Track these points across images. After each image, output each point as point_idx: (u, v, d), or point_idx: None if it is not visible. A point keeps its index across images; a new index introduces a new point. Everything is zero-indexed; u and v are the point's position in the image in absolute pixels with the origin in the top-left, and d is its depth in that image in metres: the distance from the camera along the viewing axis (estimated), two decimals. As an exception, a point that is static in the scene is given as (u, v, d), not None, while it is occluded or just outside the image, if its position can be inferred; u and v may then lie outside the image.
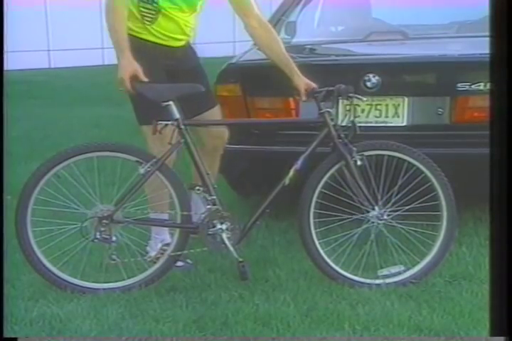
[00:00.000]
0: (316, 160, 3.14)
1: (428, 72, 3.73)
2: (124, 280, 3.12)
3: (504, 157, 2.09)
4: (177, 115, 3.09)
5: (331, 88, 3.13)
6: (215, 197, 3.13)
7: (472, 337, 2.65)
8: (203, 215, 3.14)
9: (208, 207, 3.13)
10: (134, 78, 3.10)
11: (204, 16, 3.46)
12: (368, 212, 3.12)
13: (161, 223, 3.31)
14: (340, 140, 3.10)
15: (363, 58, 4.07)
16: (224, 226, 3.11)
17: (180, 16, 3.31)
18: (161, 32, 3.31)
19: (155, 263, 3.19)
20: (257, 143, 3.73)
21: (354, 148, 3.09)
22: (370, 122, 3.63)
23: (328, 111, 3.12)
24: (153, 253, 3.31)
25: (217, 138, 3.48)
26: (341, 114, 3.40)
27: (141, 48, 3.21)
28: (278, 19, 4.25)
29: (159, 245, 3.33)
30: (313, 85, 3.24)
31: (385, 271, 3.17)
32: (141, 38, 3.28)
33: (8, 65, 3.40)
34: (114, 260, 3.09)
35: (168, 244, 3.24)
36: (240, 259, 3.06)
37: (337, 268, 3.13)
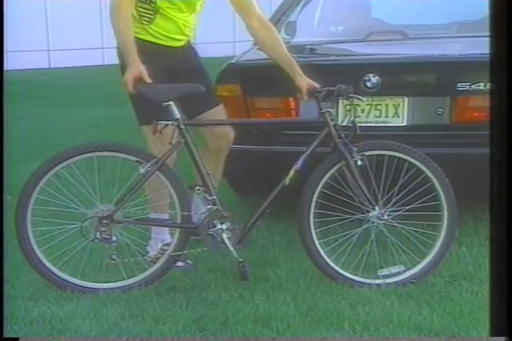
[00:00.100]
0: (316, 160, 3.14)
1: (428, 72, 3.73)
2: (124, 280, 3.12)
3: (504, 157, 2.09)
4: (177, 115, 3.09)
5: (332, 88, 3.13)
6: (215, 197, 3.13)
7: (472, 337, 2.65)
8: (203, 215, 3.14)
9: (208, 207, 3.13)
10: (138, 80, 3.09)
11: (204, 16, 3.46)
12: (369, 212, 3.12)
13: (161, 223, 3.31)
14: (340, 140, 3.10)
15: (363, 58, 4.07)
16: (224, 226, 3.11)
17: (179, 16, 3.31)
18: (160, 32, 3.31)
19: (155, 263, 3.19)
20: (258, 143, 3.73)
21: (354, 148, 3.09)
22: (370, 122, 3.63)
23: (329, 111, 3.12)
24: (153, 253, 3.32)
25: (221, 137, 3.47)
26: (341, 114, 3.40)
27: (140, 49, 3.20)
28: (278, 19, 4.25)
29: (159, 245, 3.33)
30: (316, 85, 3.24)
31: (385, 271, 3.17)
32: (140, 38, 3.27)
33: (8, 65, 3.40)
34: (114, 260, 3.09)
35: (168, 244, 3.24)
36: (240, 259, 3.06)
37: (337, 268, 3.13)
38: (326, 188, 3.13)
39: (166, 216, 3.27)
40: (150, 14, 3.28)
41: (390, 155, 3.15)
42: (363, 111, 3.60)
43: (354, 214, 3.14)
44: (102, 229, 3.07)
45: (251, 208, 3.33)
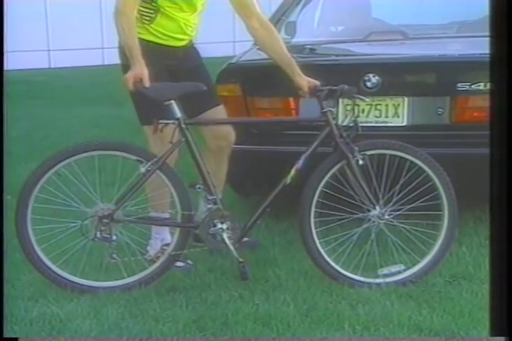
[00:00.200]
0: (317, 160, 3.14)
1: (428, 72, 3.73)
2: (123, 278, 3.12)
3: (504, 157, 2.09)
4: (178, 114, 3.09)
5: (334, 87, 3.13)
6: (215, 197, 3.13)
7: (472, 337, 2.65)
8: (204, 214, 3.13)
9: (209, 206, 3.13)
10: (139, 80, 3.08)
11: (204, 16, 3.45)
12: (369, 211, 3.12)
13: (162, 222, 3.31)
14: (342, 139, 3.10)
15: (363, 58, 4.07)
16: (224, 226, 3.11)
17: (180, 15, 3.30)
18: (161, 31, 3.30)
19: (154, 262, 3.19)
20: (258, 143, 3.73)
21: (356, 147, 3.09)
22: (370, 122, 3.63)
23: (331, 110, 3.12)
24: (153, 253, 3.32)
25: (222, 138, 3.46)
26: (341, 114, 3.40)
27: (141, 49, 3.20)
28: (278, 19, 4.25)
29: (160, 244, 3.33)
30: (316, 83, 3.24)
31: (385, 270, 3.17)
32: (141, 38, 3.26)
33: (8, 65, 3.41)
34: (114, 259, 3.09)
35: (168, 244, 3.24)
36: (241, 259, 3.06)
37: (337, 267, 3.12)
38: (326, 188, 3.13)
39: (166, 215, 3.27)
40: (151, 13, 3.27)
41: (391, 155, 3.15)
42: (363, 111, 3.60)
43: (355, 214, 3.14)
44: (102, 228, 3.07)
45: (251, 208, 3.33)
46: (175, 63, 3.34)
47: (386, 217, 3.13)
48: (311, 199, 3.11)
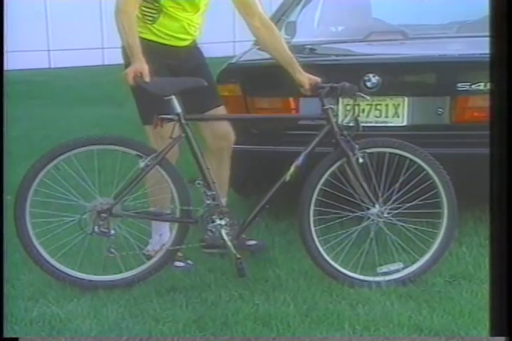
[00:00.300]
0: (317, 158, 3.14)
1: (428, 72, 3.73)
2: (121, 273, 3.13)
3: (504, 157, 2.09)
4: (178, 109, 3.09)
5: (335, 85, 3.13)
6: (214, 193, 3.13)
7: (472, 337, 2.65)
8: (203, 210, 3.13)
9: (208, 202, 3.13)
10: (139, 75, 3.07)
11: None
12: (369, 209, 3.12)
13: (160, 217, 3.31)
14: (342, 137, 3.10)
15: (363, 58, 4.07)
16: (223, 222, 3.12)
17: (183, 15, 3.29)
18: (164, 31, 3.30)
19: (153, 257, 3.19)
20: (258, 143, 3.73)
21: (356, 145, 3.09)
22: (370, 122, 3.63)
23: (332, 108, 3.12)
24: (152, 248, 3.32)
25: (222, 138, 3.46)
26: (341, 114, 3.40)
27: (143, 48, 3.20)
28: (278, 19, 4.25)
29: (161, 241, 3.33)
30: (318, 80, 3.24)
31: (384, 269, 3.17)
32: (144, 38, 3.26)
33: (8, 65, 3.40)
34: (112, 253, 3.09)
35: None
36: (238, 255, 3.06)
37: (336, 265, 3.13)
38: (326, 186, 3.13)
39: (165, 210, 3.28)
40: (153, 13, 3.26)
41: (391, 153, 3.15)
42: (363, 111, 3.60)
43: (354, 212, 3.15)
44: (101, 222, 3.08)
45: (251, 208, 3.32)
46: (177, 63, 3.34)
47: (385, 215, 3.13)
48: (310, 197, 3.11)
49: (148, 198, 3.31)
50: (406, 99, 3.61)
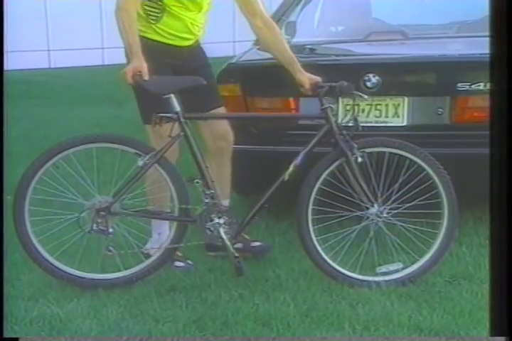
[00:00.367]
0: (316, 158, 3.14)
1: (428, 72, 3.73)
2: (120, 271, 3.13)
3: (504, 157, 2.09)
4: (177, 108, 3.09)
5: (334, 84, 3.13)
6: (213, 191, 3.13)
7: (472, 337, 2.65)
8: (201, 209, 3.13)
9: (206, 201, 3.13)
10: (138, 73, 3.06)
11: (203, 16, 3.44)
12: (368, 209, 3.12)
13: (159, 215, 3.31)
14: (341, 136, 3.10)
15: (363, 58, 4.07)
16: (221, 221, 3.12)
17: (186, 15, 3.28)
18: (167, 31, 3.28)
19: (151, 255, 3.19)
20: (258, 143, 3.73)
21: (355, 145, 3.09)
22: (370, 122, 3.63)
23: (331, 107, 3.12)
24: (151, 247, 3.32)
25: (220, 138, 3.46)
26: (341, 113, 3.40)
27: (146, 48, 3.19)
28: (278, 19, 4.24)
29: (160, 239, 3.33)
30: (318, 79, 3.24)
31: (383, 269, 3.17)
32: (147, 38, 3.26)
33: (8, 65, 3.40)
34: (110, 251, 3.09)
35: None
36: (236, 254, 3.06)
37: (334, 265, 3.13)
38: (325, 185, 3.13)
39: (164, 209, 3.28)
40: (157, 13, 3.26)
41: (390, 153, 3.15)
42: (363, 111, 3.60)
43: (353, 211, 3.14)
44: (99, 220, 3.08)
45: (250, 207, 3.32)
46: (180, 63, 3.33)
47: (384, 215, 3.12)
48: (308, 196, 3.11)
49: (147, 196, 3.31)
50: (406, 99, 3.61)
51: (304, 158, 3.11)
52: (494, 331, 2.18)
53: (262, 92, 3.75)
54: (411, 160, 3.14)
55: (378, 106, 3.64)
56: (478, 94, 3.46)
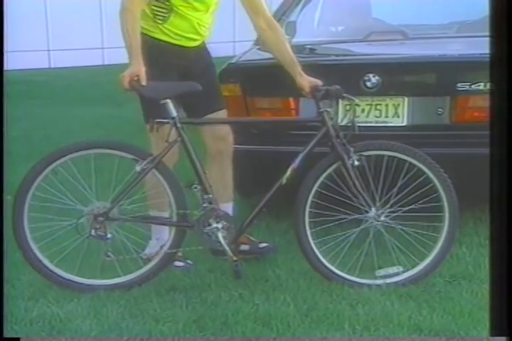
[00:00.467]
0: (314, 160, 3.14)
1: (428, 72, 3.73)
2: (119, 277, 3.13)
3: (504, 157, 2.09)
4: (174, 113, 3.08)
5: (330, 87, 3.13)
6: (211, 196, 3.13)
7: (472, 337, 2.65)
8: (199, 214, 3.13)
9: (204, 205, 3.13)
10: (136, 78, 3.05)
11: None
12: (367, 212, 3.12)
13: (157, 221, 3.31)
14: (338, 139, 3.10)
15: (363, 58, 4.07)
16: (220, 225, 3.12)
17: (193, 15, 3.27)
18: (174, 31, 3.27)
19: (150, 260, 3.19)
20: (258, 143, 3.73)
21: (351, 148, 3.08)
22: (370, 122, 3.63)
23: (327, 111, 3.12)
24: (150, 252, 3.32)
25: (220, 140, 3.45)
26: (341, 114, 3.40)
27: (153, 47, 3.19)
28: (278, 19, 4.23)
29: (159, 245, 3.33)
30: (318, 83, 3.23)
31: (382, 272, 3.16)
32: (154, 37, 3.25)
33: (8, 65, 3.40)
34: (109, 257, 3.09)
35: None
36: (235, 258, 3.06)
37: (332, 268, 3.12)
38: (322, 188, 3.13)
39: (163, 214, 3.27)
40: (164, 13, 3.24)
41: (389, 156, 3.15)
42: (363, 111, 3.60)
43: (350, 215, 3.14)
44: (97, 226, 3.08)
45: (252, 207, 3.32)
46: (187, 64, 3.32)
47: (382, 218, 3.11)
48: (305, 199, 3.11)
49: (146, 202, 3.31)
50: (406, 99, 3.61)
51: (301, 161, 3.11)
52: (494, 331, 2.18)
53: (262, 92, 3.75)
54: (410, 163, 3.14)
55: (378, 106, 3.64)
56: (478, 94, 3.46)
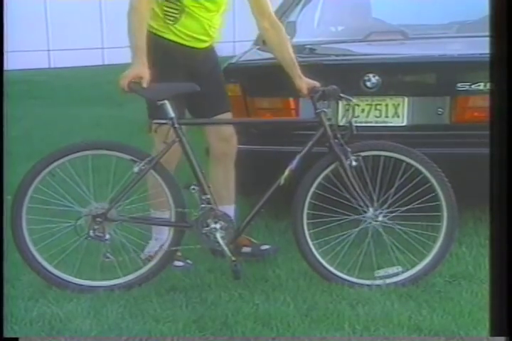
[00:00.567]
0: (312, 160, 3.14)
1: (428, 72, 3.73)
2: (119, 278, 3.12)
3: (504, 157, 2.09)
4: (172, 114, 3.08)
5: (325, 88, 3.14)
6: (209, 196, 3.13)
7: (472, 337, 2.65)
8: (197, 214, 3.13)
9: (202, 206, 3.13)
10: (137, 80, 3.05)
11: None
12: (365, 212, 3.11)
13: (155, 221, 3.31)
14: (336, 140, 3.10)
15: (363, 58, 4.07)
16: (218, 226, 3.12)
17: (204, 16, 3.25)
18: (185, 32, 3.26)
19: (150, 261, 3.19)
20: (258, 143, 3.73)
21: (349, 149, 3.08)
22: (370, 122, 3.63)
23: (324, 111, 3.12)
24: (149, 252, 3.32)
25: (224, 140, 3.44)
26: (341, 114, 3.40)
27: (163, 47, 3.18)
28: (278, 19, 4.24)
29: (158, 245, 3.33)
30: (316, 84, 3.24)
31: (381, 272, 3.15)
32: (164, 37, 3.24)
33: (8, 65, 3.39)
34: (108, 258, 3.09)
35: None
36: (233, 258, 3.06)
37: (331, 268, 3.12)
38: (319, 189, 3.13)
39: (162, 214, 3.27)
40: (175, 14, 3.22)
41: (386, 156, 3.15)
42: (363, 111, 3.61)
43: (348, 215, 3.14)
44: (96, 226, 3.08)
45: (252, 207, 3.32)
46: (195, 65, 3.32)
47: (380, 218, 3.11)
48: (303, 200, 3.11)
49: (146, 202, 3.31)
50: (406, 99, 3.61)
51: (299, 162, 3.11)
52: (494, 331, 2.18)
53: (261, 92, 3.76)
54: (407, 163, 3.13)
55: (378, 106, 3.64)
56: (478, 94, 3.46)
